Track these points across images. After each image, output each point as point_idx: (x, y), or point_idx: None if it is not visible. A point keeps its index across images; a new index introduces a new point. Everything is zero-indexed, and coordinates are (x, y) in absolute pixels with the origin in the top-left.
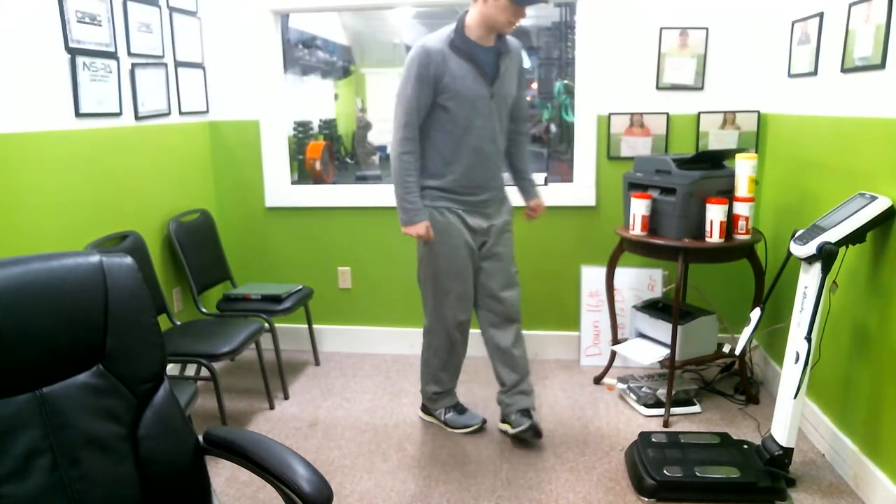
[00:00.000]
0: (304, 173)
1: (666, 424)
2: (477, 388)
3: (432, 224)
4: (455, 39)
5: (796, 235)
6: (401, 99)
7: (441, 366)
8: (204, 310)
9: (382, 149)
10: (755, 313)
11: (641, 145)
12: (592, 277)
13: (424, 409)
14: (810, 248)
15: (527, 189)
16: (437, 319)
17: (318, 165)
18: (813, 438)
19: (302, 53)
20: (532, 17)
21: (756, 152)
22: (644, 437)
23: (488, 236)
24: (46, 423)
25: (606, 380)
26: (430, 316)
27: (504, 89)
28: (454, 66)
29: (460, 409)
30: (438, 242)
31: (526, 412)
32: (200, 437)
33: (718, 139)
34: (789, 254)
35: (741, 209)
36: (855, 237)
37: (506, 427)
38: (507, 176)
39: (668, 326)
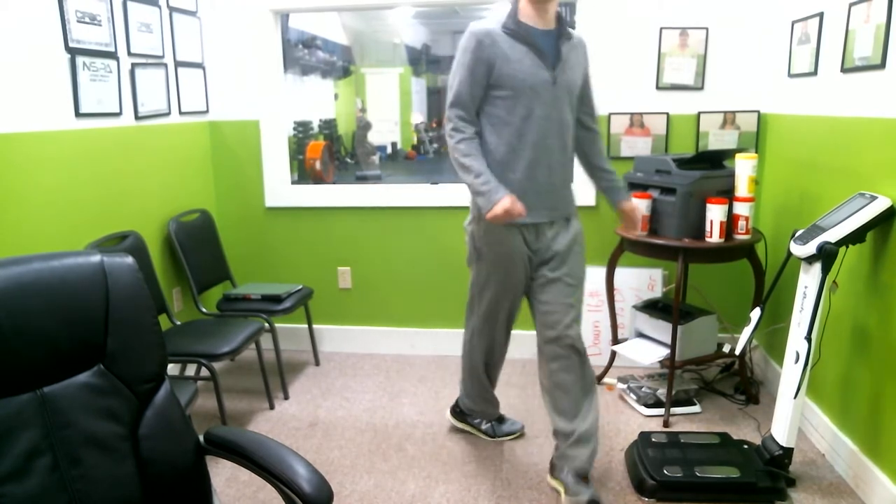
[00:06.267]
0: (304, 173)
1: (666, 424)
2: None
3: (486, 234)
4: (508, 23)
5: (796, 235)
6: (450, 91)
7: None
8: (204, 310)
9: (382, 149)
10: (755, 313)
11: (641, 145)
12: (592, 277)
13: (459, 415)
14: (810, 248)
15: (612, 188)
16: (483, 334)
17: (318, 165)
18: (813, 438)
19: (302, 53)
20: None
21: (756, 152)
22: (644, 436)
23: (550, 252)
24: (47, 423)
25: (607, 380)
26: (475, 326)
27: (568, 76)
28: (507, 49)
29: (501, 419)
30: (494, 255)
31: (583, 475)
32: (201, 437)
33: (718, 139)
34: (789, 254)
35: (741, 209)
36: (855, 237)
37: (556, 485)
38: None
39: (668, 326)
